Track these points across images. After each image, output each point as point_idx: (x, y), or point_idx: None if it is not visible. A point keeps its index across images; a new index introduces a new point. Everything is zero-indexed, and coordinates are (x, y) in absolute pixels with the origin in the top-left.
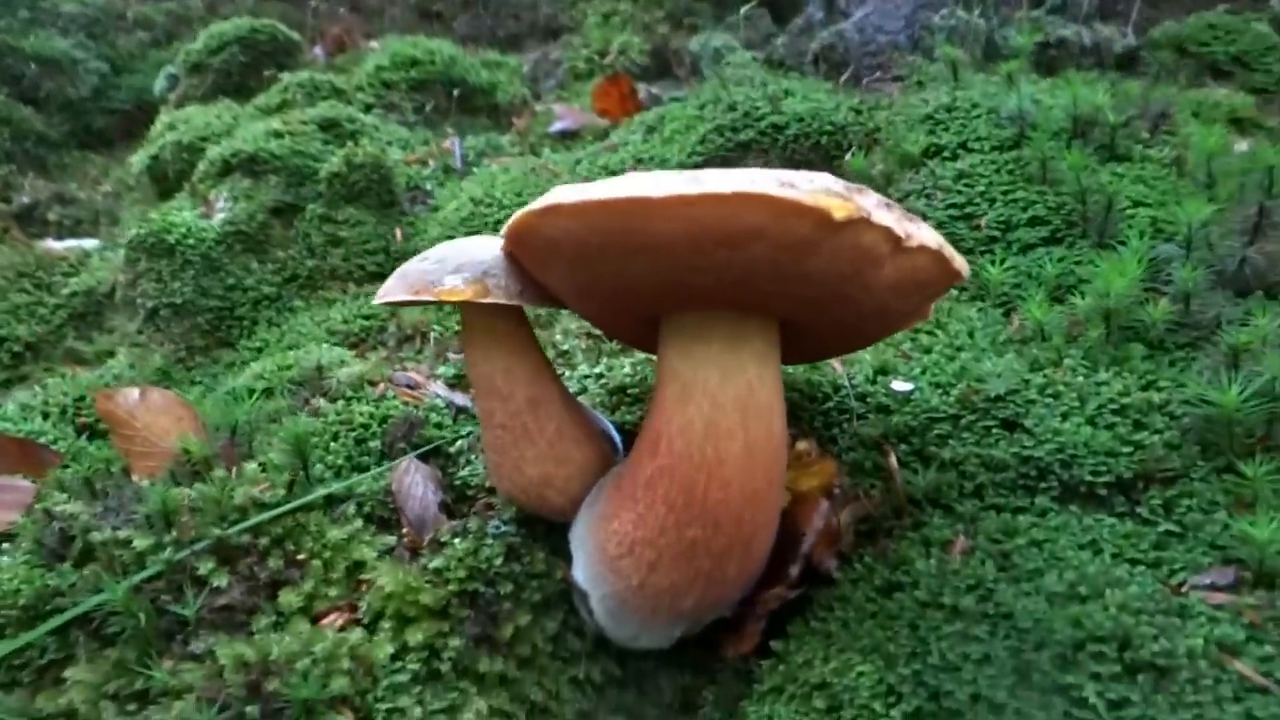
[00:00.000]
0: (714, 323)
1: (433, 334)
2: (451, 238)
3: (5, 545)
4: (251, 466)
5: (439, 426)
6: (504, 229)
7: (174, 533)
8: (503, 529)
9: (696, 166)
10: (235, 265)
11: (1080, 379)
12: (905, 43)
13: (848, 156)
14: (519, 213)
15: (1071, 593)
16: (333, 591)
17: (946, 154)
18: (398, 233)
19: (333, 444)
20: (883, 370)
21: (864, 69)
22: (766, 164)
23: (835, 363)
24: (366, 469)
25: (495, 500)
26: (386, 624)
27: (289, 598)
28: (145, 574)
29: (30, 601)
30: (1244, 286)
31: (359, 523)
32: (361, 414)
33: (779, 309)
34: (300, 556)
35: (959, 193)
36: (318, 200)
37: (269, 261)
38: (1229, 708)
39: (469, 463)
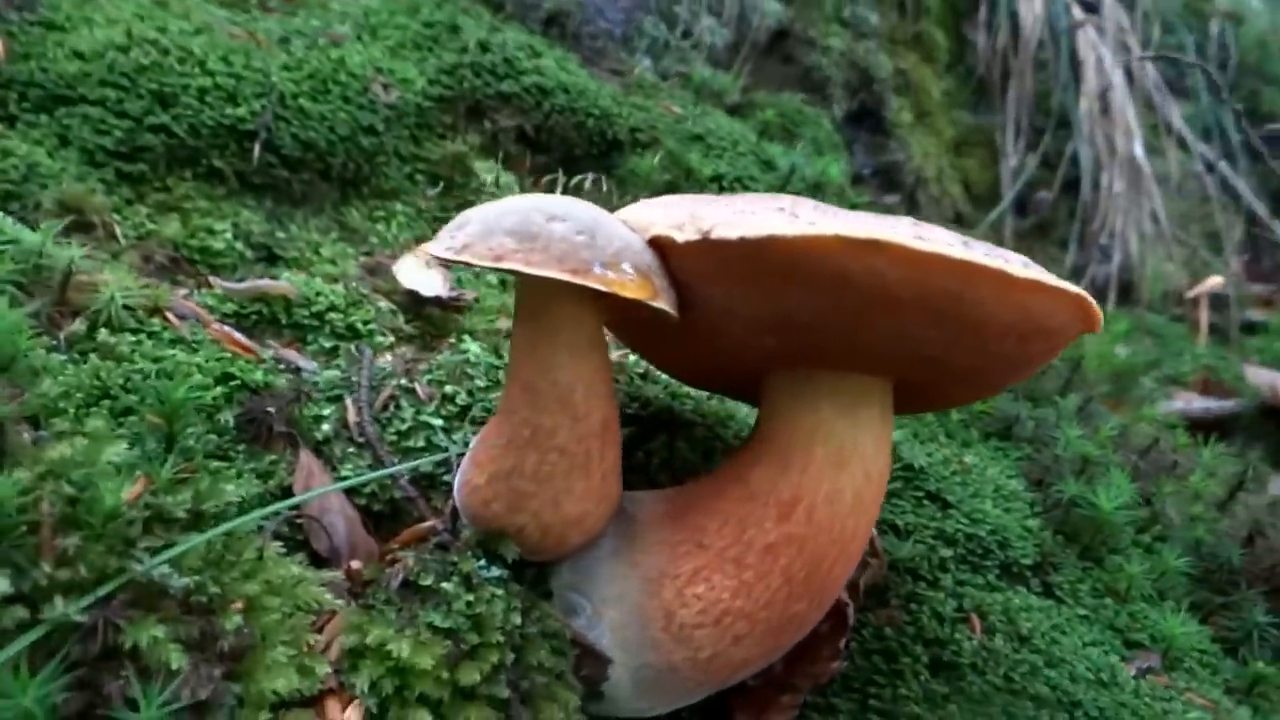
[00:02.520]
0: (876, 384)
1: (117, 226)
2: (122, 86)
3: None
4: (119, 448)
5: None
6: (729, 228)
7: (45, 568)
8: (495, 572)
9: (443, 99)
10: None
11: (970, 459)
12: (619, 37)
13: (641, 158)
14: (805, 230)
15: (1098, 678)
16: (320, 668)
17: (727, 183)
18: None
19: None
20: None
21: (586, 50)
22: (522, 125)
23: None
24: (224, 455)
25: (433, 522)
26: (414, 713)
27: (269, 681)
28: (16, 646)
29: None
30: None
31: (277, 545)
32: (187, 365)
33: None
34: (238, 604)
35: None
36: None
37: None
38: None
39: (346, 457)
